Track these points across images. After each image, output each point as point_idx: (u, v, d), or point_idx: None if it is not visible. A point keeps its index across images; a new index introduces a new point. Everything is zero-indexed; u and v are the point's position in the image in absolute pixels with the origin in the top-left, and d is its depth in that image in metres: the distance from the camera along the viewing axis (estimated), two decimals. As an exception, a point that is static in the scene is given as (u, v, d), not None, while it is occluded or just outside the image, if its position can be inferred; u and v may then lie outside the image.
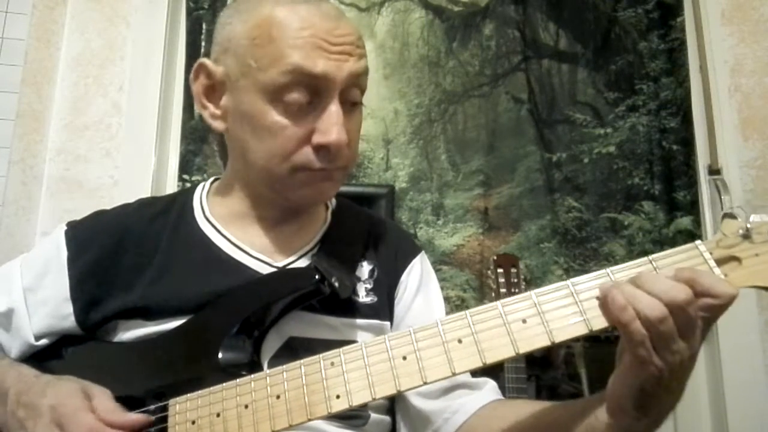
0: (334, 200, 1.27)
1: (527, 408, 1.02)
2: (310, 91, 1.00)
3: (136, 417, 0.89)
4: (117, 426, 0.86)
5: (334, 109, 1.01)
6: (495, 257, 2.00)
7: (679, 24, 2.33)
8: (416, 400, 1.11)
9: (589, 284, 0.80)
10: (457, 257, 2.24)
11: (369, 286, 1.15)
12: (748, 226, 0.79)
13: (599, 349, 2.42)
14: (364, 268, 1.17)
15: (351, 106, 1.06)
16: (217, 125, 1.10)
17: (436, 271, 2.15)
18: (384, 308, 1.15)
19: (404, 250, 1.24)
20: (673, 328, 0.73)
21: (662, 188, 2.25)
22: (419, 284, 1.21)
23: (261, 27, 1.02)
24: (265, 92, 1.01)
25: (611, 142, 2.31)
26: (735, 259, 0.79)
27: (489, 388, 1.14)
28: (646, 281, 0.74)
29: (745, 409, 2.03)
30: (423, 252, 1.28)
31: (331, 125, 1.00)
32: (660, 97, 2.31)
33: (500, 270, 1.94)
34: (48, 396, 0.89)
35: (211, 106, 1.10)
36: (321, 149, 1.02)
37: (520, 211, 2.29)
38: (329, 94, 1.01)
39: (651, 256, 0.80)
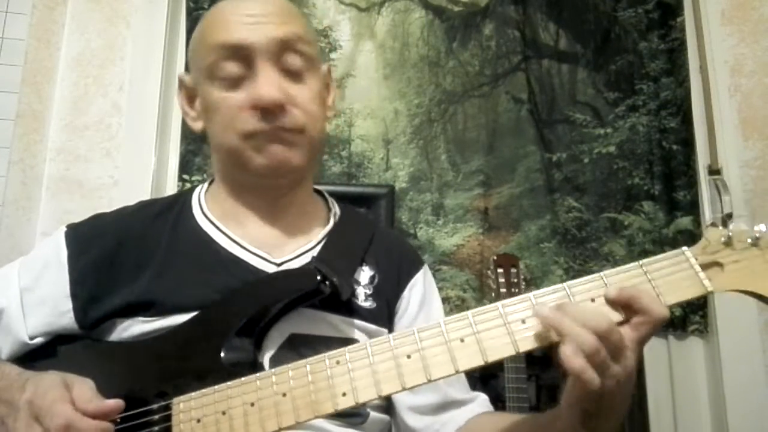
0: (336, 206, 1.28)
1: (506, 419, 1.08)
2: (241, 63, 1.07)
3: (112, 403, 0.88)
4: (92, 414, 0.85)
5: (263, 70, 1.07)
6: (495, 257, 1.99)
7: (679, 24, 2.34)
8: (408, 416, 1.13)
9: (585, 287, 0.84)
10: (457, 257, 2.24)
11: (368, 292, 1.16)
12: (729, 234, 0.85)
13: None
14: (365, 273, 1.18)
15: (294, 74, 1.11)
16: (197, 126, 1.19)
17: (437, 271, 2.17)
18: (382, 316, 1.16)
19: (407, 264, 1.25)
20: (607, 357, 0.77)
21: (662, 188, 2.25)
22: (421, 302, 1.22)
23: (199, 27, 1.17)
24: (205, 76, 1.10)
25: (611, 142, 2.31)
26: (718, 264, 0.85)
27: (479, 402, 1.17)
28: (572, 312, 0.79)
29: (745, 409, 2.03)
30: (426, 266, 1.29)
31: (260, 84, 1.06)
32: (660, 97, 2.31)
33: (500, 270, 1.94)
34: (27, 391, 0.88)
35: (191, 111, 1.20)
36: (260, 111, 1.06)
37: (520, 211, 2.29)
38: (257, 61, 1.07)
39: (641, 262, 0.85)
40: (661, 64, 2.33)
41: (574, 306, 0.81)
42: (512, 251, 2.20)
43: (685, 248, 0.86)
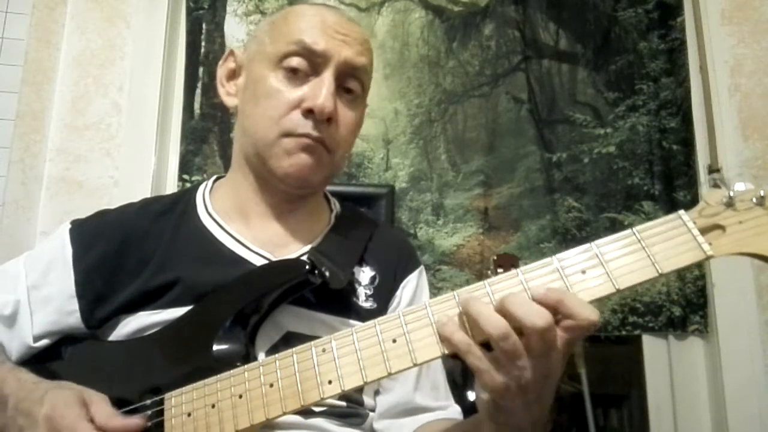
0: (338, 205, 1.29)
1: (444, 425, 1.09)
2: (309, 65, 1.10)
3: (134, 421, 0.88)
4: (115, 431, 0.86)
5: (327, 79, 1.09)
6: (495, 257, 1.98)
7: (679, 24, 2.34)
8: (376, 418, 1.14)
9: (575, 259, 0.80)
10: (457, 257, 2.24)
11: (369, 292, 1.16)
12: (731, 194, 0.79)
13: (599, 349, 2.42)
14: (365, 273, 1.18)
15: (348, 94, 1.13)
16: (230, 101, 1.20)
17: (437, 271, 2.17)
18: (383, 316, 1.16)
19: (404, 263, 1.26)
20: (517, 347, 0.74)
21: (662, 188, 2.25)
22: (410, 303, 1.22)
23: (281, 15, 1.17)
24: (270, 60, 1.12)
25: (611, 142, 2.31)
26: (719, 227, 0.79)
27: (444, 413, 1.16)
28: (512, 303, 0.75)
29: (745, 409, 2.03)
30: (422, 268, 1.30)
31: (319, 91, 1.07)
32: (660, 97, 2.31)
33: (500, 270, 1.92)
34: (45, 405, 0.88)
35: (228, 85, 1.22)
36: (308, 114, 1.08)
37: (520, 211, 2.29)
38: (326, 71, 1.09)
39: (636, 228, 0.80)
40: (661, 64, 2.33)
41: (515, 296, 0.76)
42: (512, 251, 2.20)
43: (681, 211, 0.80)
